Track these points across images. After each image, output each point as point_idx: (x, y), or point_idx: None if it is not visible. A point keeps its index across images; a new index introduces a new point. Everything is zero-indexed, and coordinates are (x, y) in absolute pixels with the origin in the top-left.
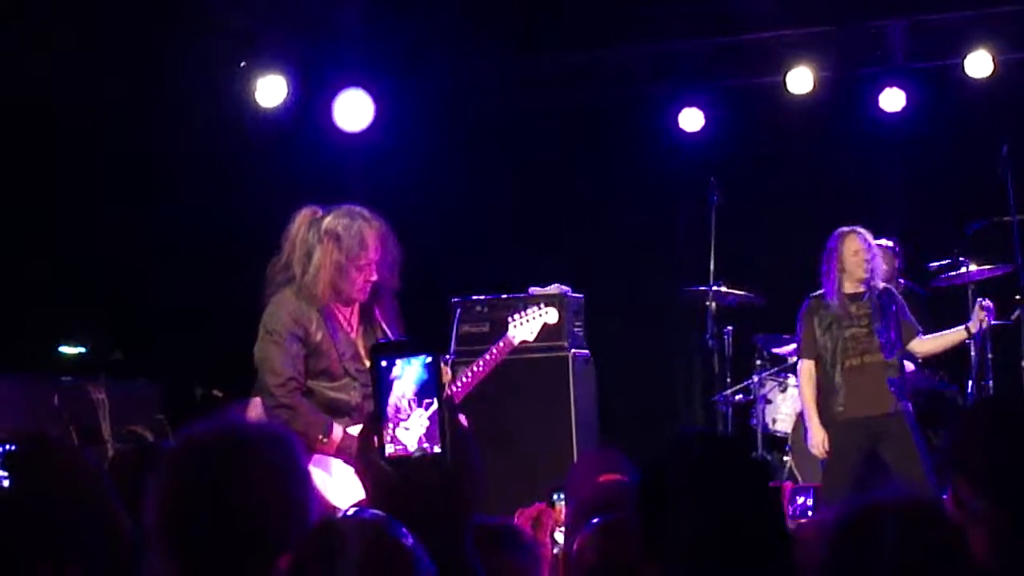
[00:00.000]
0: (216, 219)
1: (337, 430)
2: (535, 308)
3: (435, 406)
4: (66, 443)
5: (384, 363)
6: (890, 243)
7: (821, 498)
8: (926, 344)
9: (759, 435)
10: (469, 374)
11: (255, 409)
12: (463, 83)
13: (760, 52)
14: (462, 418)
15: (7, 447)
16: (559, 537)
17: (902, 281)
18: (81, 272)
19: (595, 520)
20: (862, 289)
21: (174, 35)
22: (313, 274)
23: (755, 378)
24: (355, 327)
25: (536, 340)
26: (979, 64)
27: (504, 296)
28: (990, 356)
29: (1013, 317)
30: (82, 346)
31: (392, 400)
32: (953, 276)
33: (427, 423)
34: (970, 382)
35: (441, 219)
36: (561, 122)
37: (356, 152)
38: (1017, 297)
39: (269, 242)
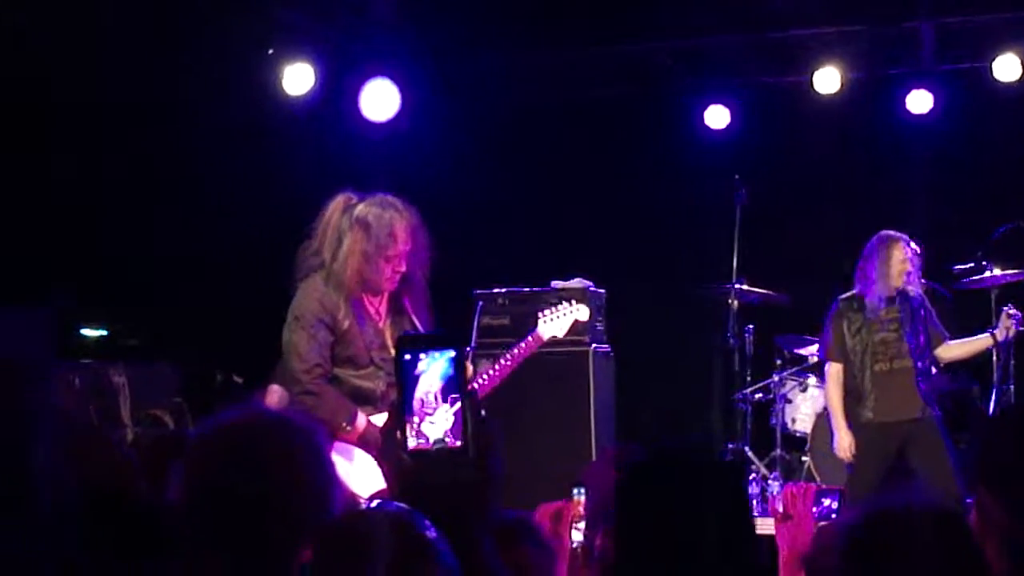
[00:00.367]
0: (240, 205)
1: (361, 418)
2: (566, 304)
3: (459, 401)
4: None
5: (408, 356)
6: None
7: (846, 501)
8: (952, 350)
9: (778, 434)
10: (496, 368)
11: (274, 396)
12: (490, 76)
13: (788, 50)
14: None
15: None
16: (577, 533)
17: (924, 281)
18: (103, 256)
19: None
20: (894, 294)
21: (202, 20)
22: (342, 261)
23: (775, 377)
24: (383, 316)
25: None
26: (1007, 67)
27: (526, 289)
28: (1012, 363)
29: None
30: (103, 329)
31: (418, 394)
32: (976, 280)
33: (452, 418)
34: (993, 389)
35: (464, 211)
36: (586, 116)
37: (381, 141)
38: None
39: (291, 229)
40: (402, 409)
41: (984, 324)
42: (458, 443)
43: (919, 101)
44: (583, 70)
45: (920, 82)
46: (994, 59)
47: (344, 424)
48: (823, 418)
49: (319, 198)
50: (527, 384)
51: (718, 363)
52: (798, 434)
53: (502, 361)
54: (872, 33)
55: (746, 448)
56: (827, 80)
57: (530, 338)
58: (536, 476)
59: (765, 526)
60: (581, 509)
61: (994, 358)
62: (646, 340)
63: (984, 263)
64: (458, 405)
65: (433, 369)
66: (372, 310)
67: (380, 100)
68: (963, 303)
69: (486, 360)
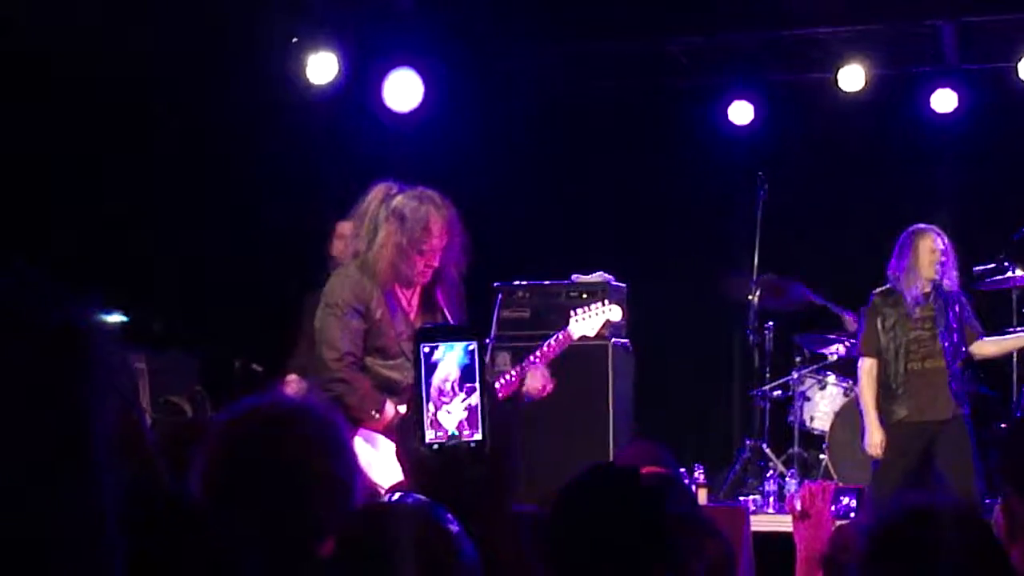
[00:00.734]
0: (261, 193)
1: (389, 408)
2: (599, 304)
3: (476, 392)
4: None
5: (427, 349)
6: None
7: (865, 499)
8: (987, 347)
9: (796, 432)
10: (524, 365)
11: (292, 385)
12: (514, 69)
13: (812, 47)
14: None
15: None
16: None
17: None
18: (123, 242)
19: None
20: (928, 290)
21: (226, 8)
22: (376, 252)
23: (794, 375)
24: (415, 309)
25: None
26: None
27: (547, 283)
28: None
29: None
30: (123, 315)
31: (436, 382)
32: (998, 280)
33: (468, 409)
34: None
35: (486, 203)
36: (610, 110)
37: (404, 132)
38: None
39: (311, 217)
40: (419, 400)
41: (1005, 325)
42: (475, 435)
43: (943, 100)
44: (607, 64)
45: (944, 81)
46: (1019, 59)
47: (373, 413)
48: (841, 416)
49: (340, 187)
50: None
51: (737, 359)
52: (816, 432)
53: (530, 358)
54: (896, 31)
55: (764, 445)
56: (851, 78)
57: (560, 336)
58: (554, 470)
59: (782, 524)
60: None
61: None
62: (666, 335)
63: (1006, 264)
64: (475, 396)
65: (450, 358)
66: (404, 302)
67: (403, 90)
68: (984, 304)
69: (505, 352)
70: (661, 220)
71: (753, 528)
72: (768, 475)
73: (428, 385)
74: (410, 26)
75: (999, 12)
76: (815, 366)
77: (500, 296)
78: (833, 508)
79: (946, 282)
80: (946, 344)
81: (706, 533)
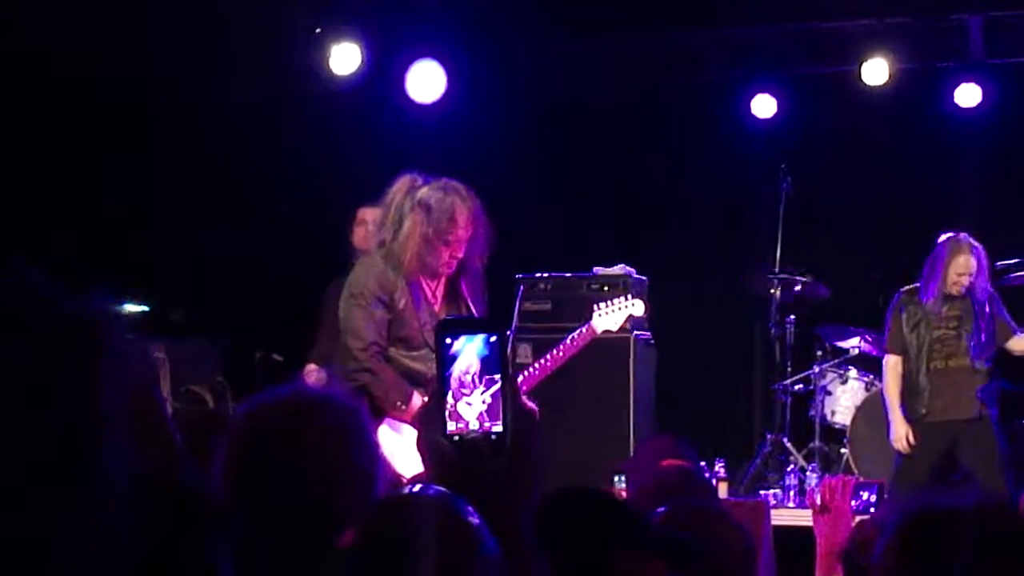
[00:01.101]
0: (283, 184)
1: (416, 398)
2: (622, 299)
3: (497, 384)
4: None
5: (448, 340)
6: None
7: (885, 494)
8: (1022, 343)
9: (817, 426)
10: (547, 359)
11: (312, 375)
12: (538, 61)
13: (836, 41)
14: (526, 400)
15: None
16: None
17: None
18: (146, 233)
19: (659, 510)
20: (953, 293)
21: None
22: (401, 242)
23: (816, 369)
24: (439, 300)
25: None
26: None
27: (568, 275)
28: None
29: None
30: (145, 305)
31: (456, 374)
32: (1021, 276)
33: (488, 400)
34: None
35: (507, 195)
36: (633, 103)
37: (426, 123)
38: None
39: (333, 208)
40: (440, 391)
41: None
42: (495, 427)
43: (968, 94)
44: (630, 57)
45: (969, 75)
46: None
47: (399, 403)
48: (863, 410)
49: (363, 178)
50: (568, 370)
51: (759, 353)
52: (837, 426)
53: (553, 352)
54: (920, 25)
55: (784, 439)
56: (875, 71)
57: (584, 330)
58: (575, 463)
59: (802, 518)
60: (622, 497)
61: None
62: (687, 328)
63: None
64: (495, 387)
65: (470, 349)
66: (429, 293)
67: (426, 82)
68: (1007, 300)
69: (526, 344)
70: (684, 213)
71: (773, 522)
72: (789, 469)
73: (448, 376)
74: (434, 17)
75: (1023, 7)
76: (837, 360)
77: (522, 288)
78: (853, 503)
79: (978, 292)
80: (972, 344)
81: (725, 527)
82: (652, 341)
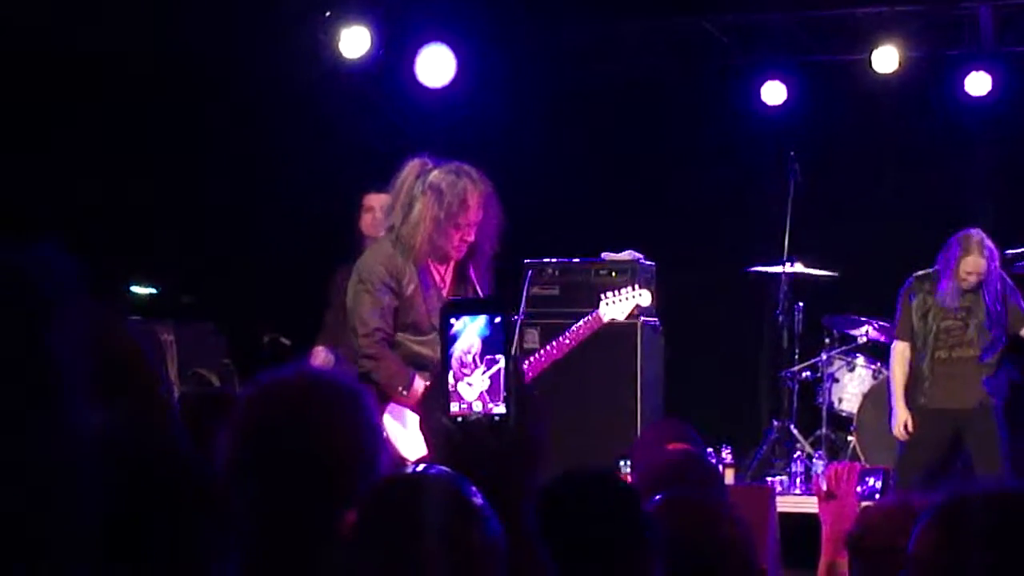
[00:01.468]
0: (292, 167)
1: (419, 383)
2: (629, 288)
3: (500, 364)
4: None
5: (452, 321)
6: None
7: (891, 481)
8: None
9: (824, 413)
10: (552, 346)
11: (319, 357)
12: (546, 46)
13: (846, 28)
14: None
15: None
16: None
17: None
18: (154, 215)
19: (656, 498)
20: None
21: None
22: (412, 226)
23: (823, 356)
24: (448, 284)
25: None
26: None
27: (576, 260)
28: None
29: None
30: (153, 287)
31: (457, 353)
32: None
33: (489, 381)
34: None
35: (516, 180)
36: (642, 89)
37: (436, 107)
38: None
39: (342, 191)
40: (443, 371)
41: None
42: (496, 408)
43: (978, 83)
44: (640, 43)
45: (980, 64)
46: None
47: (401, 389)
48: (870, 398)
49: (371, 161)
50: (575, 356)
51: (766, 340)
52: (844, 414)
53: (559, 339)
54: (931, 13)
55: (791, 426)
56: (885, 59)
57: (590, 318)
58: (581, 447)
59: (808, 505)
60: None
61: None
62: (695, 315)
63: None
64: (496, 367)
65: (471, 329)
66: (438, 277)
67: (436, 66)
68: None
69: (534, 330)
70: (692, 200)
71: (779, 509)
72: (795, 456)
73: (450, 357)
74: (443, 1)
75: None
76: (844, 348)
77: (529, 273)
78: (859, 489)
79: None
80: (980, 335)
81: (722, 519)
82: (660, 327)
